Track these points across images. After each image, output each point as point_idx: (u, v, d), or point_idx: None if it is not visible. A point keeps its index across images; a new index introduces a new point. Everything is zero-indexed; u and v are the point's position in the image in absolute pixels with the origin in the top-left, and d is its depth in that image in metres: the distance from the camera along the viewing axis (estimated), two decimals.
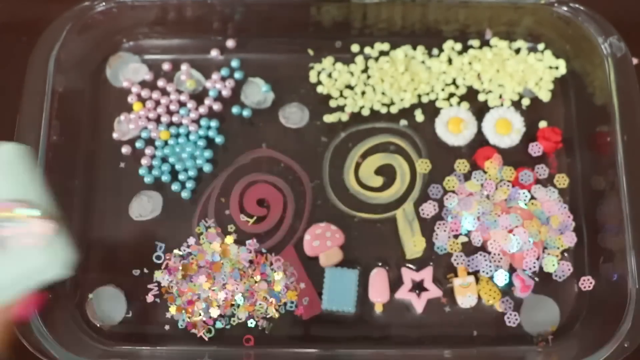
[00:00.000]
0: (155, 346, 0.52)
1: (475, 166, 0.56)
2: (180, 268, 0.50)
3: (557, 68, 0.59)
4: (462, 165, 0.55)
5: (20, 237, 0.38)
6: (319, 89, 0.58)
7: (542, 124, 0.57)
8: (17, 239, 0.38)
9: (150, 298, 0.52)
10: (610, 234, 0.52)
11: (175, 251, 0.51)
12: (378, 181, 0.56)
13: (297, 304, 0.51)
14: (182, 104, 0.58)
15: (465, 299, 0.52)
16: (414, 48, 0.59)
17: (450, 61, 0.59)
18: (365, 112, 0.57)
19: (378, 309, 0.53)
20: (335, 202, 0.55)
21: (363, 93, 0.58)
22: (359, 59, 0.59)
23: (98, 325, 0.52)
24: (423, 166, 0.55)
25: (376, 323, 0.53)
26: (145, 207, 0.55)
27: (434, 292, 0.52)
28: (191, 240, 0.51)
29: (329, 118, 0.57)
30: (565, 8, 0.56)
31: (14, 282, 0.39)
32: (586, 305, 0.52)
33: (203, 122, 0.57)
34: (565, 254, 0.53)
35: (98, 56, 0.59)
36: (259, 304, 0.50)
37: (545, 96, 0.58)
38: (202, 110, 0.58)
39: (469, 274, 0.53)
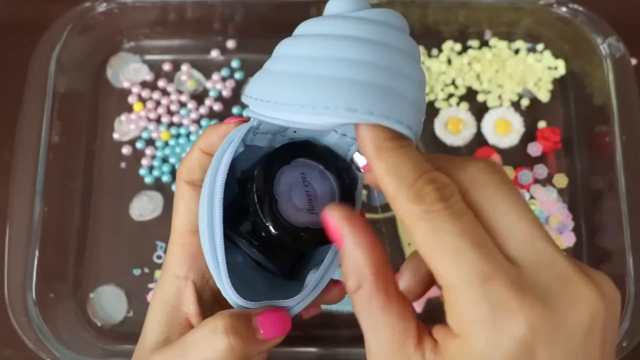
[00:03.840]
0: None
1: None
2: None
3: (556, 68, 0.59)
4: None
5: None
6: None
7: (541, 124, 0.57)
8: None
9: (150, 297, 0.52)
10: (609, 234, 0.52)
11: None
12: None
13: None
14: (182, 105, 0.58)
15: None
16: None
17: (449, 61, 0.59)
18: None
19: None
20: None
21: None
22: None
23: (99, 324, 0.53)
24: None
25: None
26: (146, 206, 0.55)
27: (433, 291, 0.53)
28: None
29: None
30: (564, 9, 0.56)
31: None
32: None
33: (204, 122, 0.58)
34: (564, 254, 0.54)
35: (99, 57, 0.59)
36: None
37: (544, 96, 0.58)
38: (203, 110, 0.58)
39: None
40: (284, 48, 0.30)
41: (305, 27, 0.30)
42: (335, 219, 0.28)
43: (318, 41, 0.28)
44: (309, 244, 0.33)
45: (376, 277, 0.27)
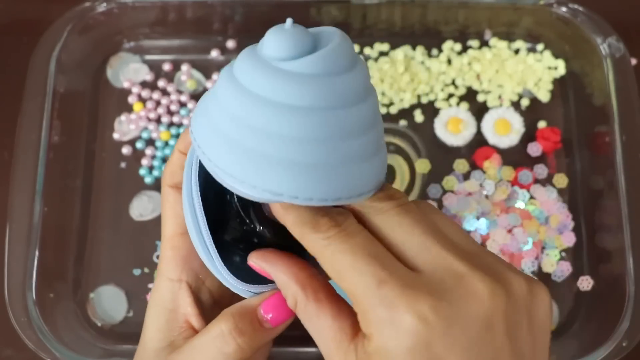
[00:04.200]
0: None
1: (474, 166, 0.56)
2: None
3: (556, 68, 0.59)
4: (461, 165, 0.55)
5: None
6: None
7: (541, 124, 0.57)
8: None
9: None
10: (609, 234, 0.52)
11: None
12: None
13: None
14: (182, 105, 0.58)
15: None
16: (414, 48, 0.59)
17: (449, 61, 0.59)
18: None
19: None
20: None
21: None
22: None
23: (99, 324, 0.53)
24: (422, 166, 0.56)
25: None
26: (146, 206, 0.55)
27: None
28: None
29: None
30: (564, 9, 0.56)
31: None
32: (585, 304, 0.52)
33: None
34: (564, 254, 0.54)
35: (99, 57, 0.59)
36: None
37: (544, 96, 0.58)
38: None
39: None
40: (226, 95, 0.29)
41: (248, 76, 0.28)
42: (255, 261, 0.32)
43: (259, 107, 0.28)
44: None
45: (304, 290, 0.30)
